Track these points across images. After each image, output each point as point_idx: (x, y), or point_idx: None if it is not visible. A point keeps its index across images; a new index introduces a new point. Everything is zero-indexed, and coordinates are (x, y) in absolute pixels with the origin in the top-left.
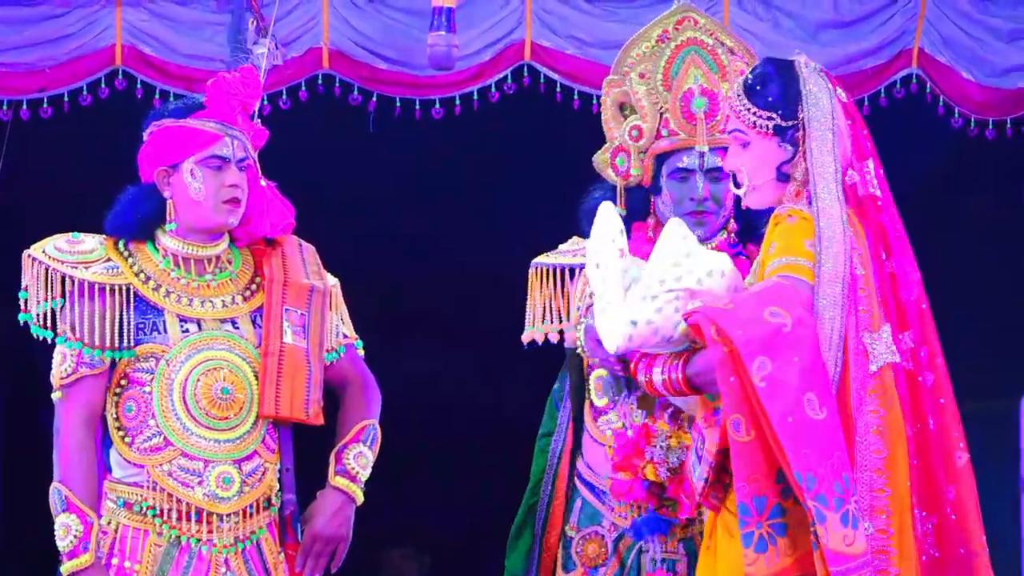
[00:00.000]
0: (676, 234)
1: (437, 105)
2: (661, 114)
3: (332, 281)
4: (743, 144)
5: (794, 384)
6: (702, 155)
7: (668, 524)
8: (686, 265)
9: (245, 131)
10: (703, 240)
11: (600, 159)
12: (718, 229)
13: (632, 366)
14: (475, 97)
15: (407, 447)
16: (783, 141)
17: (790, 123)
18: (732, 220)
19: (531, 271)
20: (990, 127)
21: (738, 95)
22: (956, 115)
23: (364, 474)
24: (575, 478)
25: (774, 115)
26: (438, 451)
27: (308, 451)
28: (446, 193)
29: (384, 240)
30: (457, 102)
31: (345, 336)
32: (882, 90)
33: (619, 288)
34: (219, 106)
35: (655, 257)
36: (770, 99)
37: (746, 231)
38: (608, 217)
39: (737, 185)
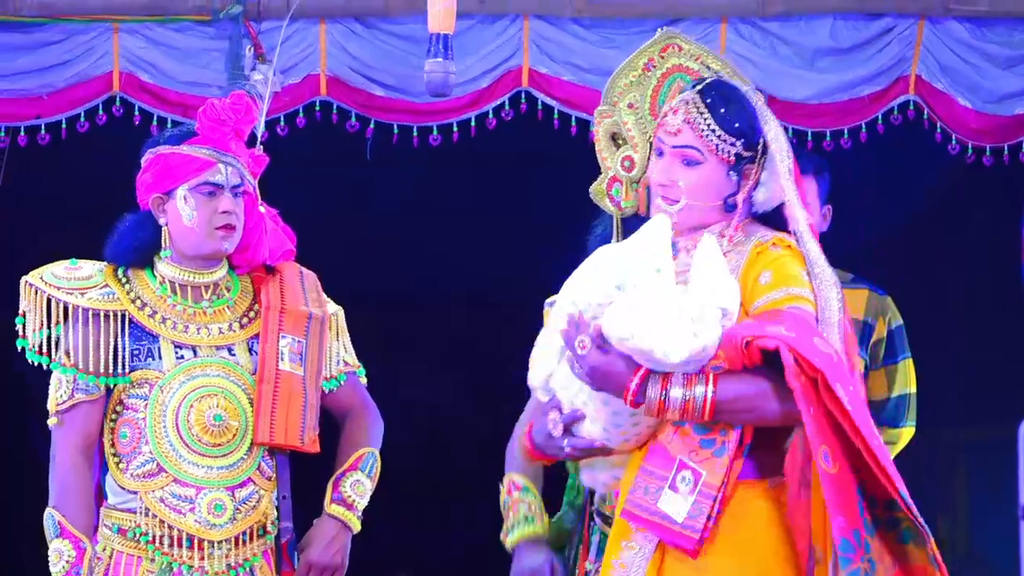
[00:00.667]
0: (710, 247)
1: (435, 132)
2: (651, 143)
3: (334, 309)
4: (691, 161)
5: (865, 411)
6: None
7: None
8: (726, 284)
9: (241, 157)
10: None
11: (596, 190)
12: None
13: (635, 382)
14: (472, 124)
15: (406, 473)
16: (732, 170)
17: (748, 154)
18: None
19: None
20: (987, 154)
21: (699, 111)
22: (953, 141)
23: (361, 502)
24: (593, 514)
25: (737, 143)
26: (437, 477)
27: (310, 479)
28: (444, 219)
29: (382, 267)
30: (455, 129)
31: (347, 364)
32: (879, 117)
33: (674, 298)
34: (211, 132)
35: (701, 272)
36: (736, 125)
37: None
38: (663, 228)
39: (668, 201)
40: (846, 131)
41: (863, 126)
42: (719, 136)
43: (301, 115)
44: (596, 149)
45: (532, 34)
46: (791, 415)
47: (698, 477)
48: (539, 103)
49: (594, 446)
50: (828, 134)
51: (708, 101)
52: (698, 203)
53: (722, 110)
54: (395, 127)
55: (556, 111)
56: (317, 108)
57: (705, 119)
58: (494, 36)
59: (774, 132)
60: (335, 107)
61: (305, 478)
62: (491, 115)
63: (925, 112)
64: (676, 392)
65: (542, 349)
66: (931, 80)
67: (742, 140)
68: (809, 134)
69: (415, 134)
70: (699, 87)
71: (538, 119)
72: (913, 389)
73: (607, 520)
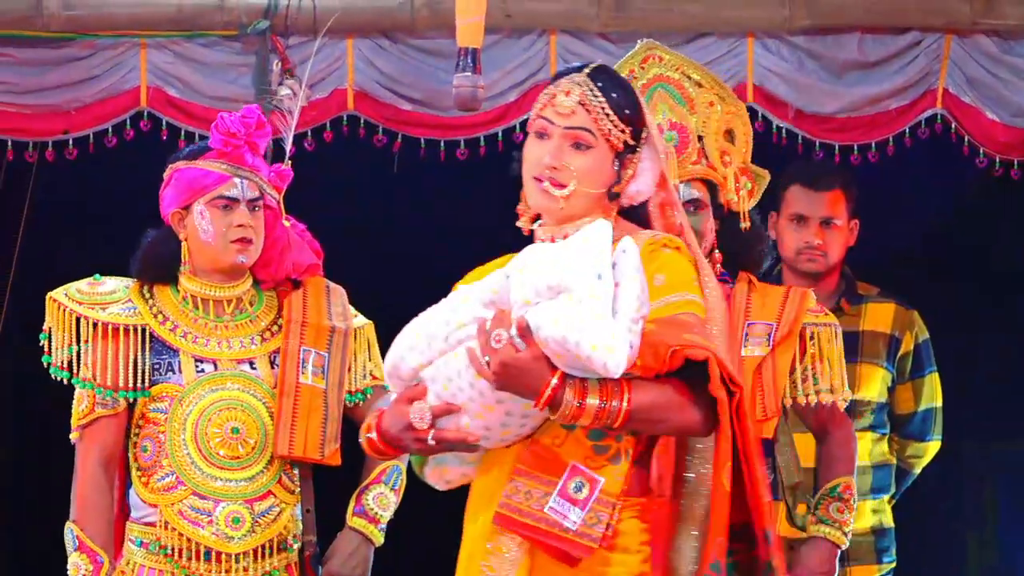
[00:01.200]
0: (632, 250)
1: (462, 146)
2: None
3: (362, 322)
4: (581, 144)
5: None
6: (676, 188)
7: None
8: (646, 291)
9: (260, 171)
10: None
11: None
12: None
13: (553, 385)
14: (500, 138)
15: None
16: (617, 159)
17: (632, 144)
18: (716, 250)
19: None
20: (1015, 167)
21: (594, 93)
22: (981, 155)
23: (384, 515)
24: None
25: (626, 130)
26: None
27: (338, 492)
28: (472, 234)
29: (410, 280)
30: (482, 143)
31: (374, 377)
32: (907, 130)
33: (609, 305)
34: (223, 146)
35: (632, 279)
36: (627, 112)
37: (731, 259)
38: (605, 232)
39: (556, 185)
40: (873, 145)
41: (890, 140)
42: (612, 121)
43: (328, 129)
44: None
45: (559, 48)
46: (693, 428)
47: (595, 484)
48: None
49: (466, 441)
50: (855, 148)
51: (600, 84)
52: (587, 189)
53: (614, 95)
54: (422, 141)
55: None
56: (344, 123)
57: (600, 102)
58: (521, 51)
59: (653, 127)
60: (362, 121)
61: (333, 491)
62: (518, 129)
63: (952, 126)
64: (592, 400)
65: (423, 336)
66: (958, 93)
67: (631, 128)
68: (836, 148)
69: (442, 148)
70: (588, 71)
71: None
72: (939, 403)
73: None
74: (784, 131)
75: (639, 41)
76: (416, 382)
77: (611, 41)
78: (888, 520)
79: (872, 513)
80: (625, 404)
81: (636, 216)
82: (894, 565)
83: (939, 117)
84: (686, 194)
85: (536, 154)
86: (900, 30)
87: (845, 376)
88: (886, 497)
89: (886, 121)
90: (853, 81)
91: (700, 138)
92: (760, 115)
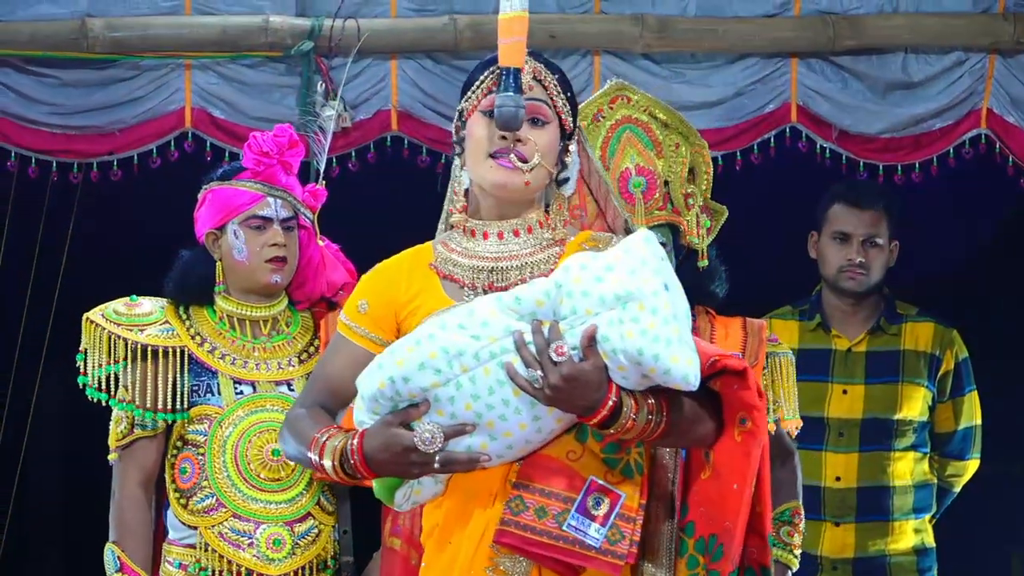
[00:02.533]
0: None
1: None
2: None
3: None
4: (539, 120)
5: None
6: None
7: None
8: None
9: (294, 190)
10: None
11: None
12: None
13: (612, 400)
14: None
15: None
16: (561, 142)
17: (571, 131)
18: None
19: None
20: None
21: (547, 70)
22: None
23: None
24: None
25: (571, 114)
26: None
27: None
28: None
29: None
30: None
31: None
32: (951, 150)
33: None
34: (256, 166)
35: (680, 288)
36: (569, 94)
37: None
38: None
39: (521, 159)
40: (917, 165)
41: (934, 160)
42: (563, 99)
43: (372, 150)
44: None
45: (603, 69)
46: (707, 440)
47: (616, 500)
48: None
49: (477, 462)
50: (899, 168)
51: (548, 67)
52: (548, 167)
53: (558, 75)
54: None
55: None
56: (388, 143)
57: (552, 79)
58: (566, 71)
59: (583, 136)
60: (406, 142)
61: (370, 511)
62: None
63: (997, 146)
64: (643, 414)
65: (442, 353)
66: (1002, 113)
67: (573, 114)
68: (880, 168)
69: None
70: (530, 51)
71: None
72: (979, 421)
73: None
74: (828, 151)
75: (609, 81)
76: (411, 403)
77: (655, 62)
78: (930, 540)
79: (915, 533)
80: (664, 418)
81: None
82: None
83: (983, 137)
84: None
85: (488, 132)
86: (944, 50)
87: (796, 404)
88: (927, 517)
89: (930, 141)
90: (897, 101)
91: (666, 183)
92: (804, 135)
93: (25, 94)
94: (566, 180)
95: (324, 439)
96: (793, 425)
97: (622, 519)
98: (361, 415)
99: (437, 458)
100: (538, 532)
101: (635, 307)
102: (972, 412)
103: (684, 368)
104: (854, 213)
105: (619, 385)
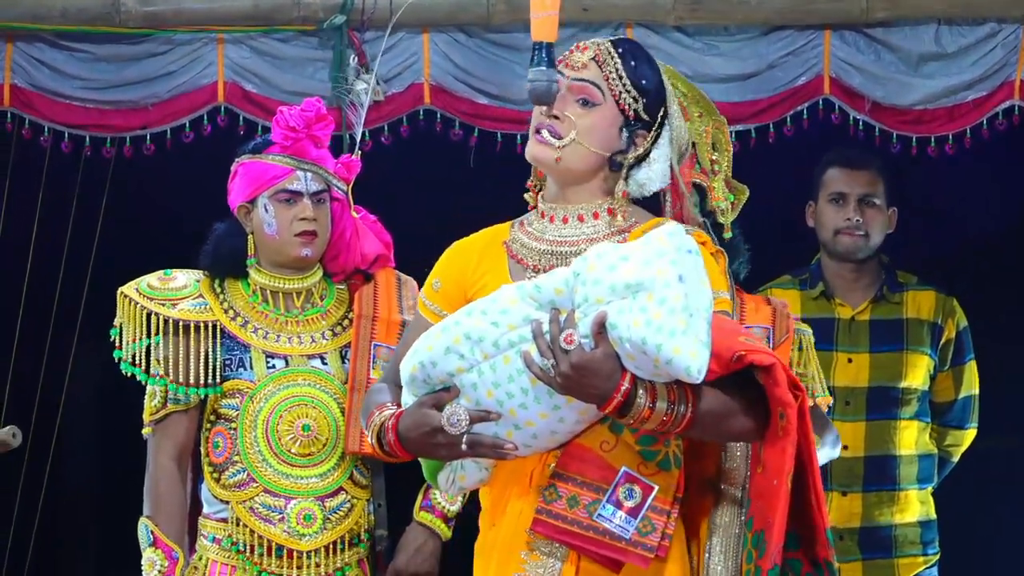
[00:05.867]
0: (696, 249)
1: None
2: None
3: None
4: (588, 102)
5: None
6: (689, 187)
7: None
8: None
9: (325, 163)
10: None
11: None
12: None
13: (625, 387)
14: None
15: None
16: (626, 127)
17: (646, 119)
18: None
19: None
20: None
21: (610, 55)
22: None
23: (452, 510)
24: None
25: (640, 100)
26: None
27: (410, 486)
28: None
29: None
30: None
31: None
32: (984, 122)
33: (691, 308)
34: (284, 140)
35: (702, 279)
36: (644, 82)
37: None
38: (681, 232)
39: (554, 135)
40: (951, 136)
41: (967, 131)
42: (624, 84)
43: (405, 124)
44: None
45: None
46: (747, 434)
47: (648, 491)
48: None
49: (502, 449)
50: (932, 140)
51: (620, 51)
52: (586, 145)
53: (632, 63)
54: (498, 135)
55: None
56: (421, 117)
57: (615, 63)
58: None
59: (676, 114)
60: (439, 116)
61: (405, 484)
62: None
63: None
64: (661, 404)
65: (465, 339)
66: None
67: (644, 100)
68: (914, 140)
69: (518, 142)
70: (612, 39)
71: None
72: (976, 390)
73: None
74: (861, 123)
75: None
76: (443, 387)
77: (687, 34)
78: (932, 511)
79: (920, 504)
80: (689, 409)
81: (648, 206)
82: (939, 556)
83: (1016, 108)
84: None
85: (537, 110)
86: (977, 21)
87: (824, 382)
88: (930, 488)
89: (963, 113)
90: (930, 73)
91: (693, 144)
92: (837, 107)
93: (58, 69)
94: (622, 166)
95: (377, 416)
96: (824, 403)
97: (654, 511)
98: (406, 396)
99: (464, 439)
100: (569, 521)
101: (644, 297)
102: (971, 381)
103: (687, 360)
104: (849, 173)
105: (635, 375)
